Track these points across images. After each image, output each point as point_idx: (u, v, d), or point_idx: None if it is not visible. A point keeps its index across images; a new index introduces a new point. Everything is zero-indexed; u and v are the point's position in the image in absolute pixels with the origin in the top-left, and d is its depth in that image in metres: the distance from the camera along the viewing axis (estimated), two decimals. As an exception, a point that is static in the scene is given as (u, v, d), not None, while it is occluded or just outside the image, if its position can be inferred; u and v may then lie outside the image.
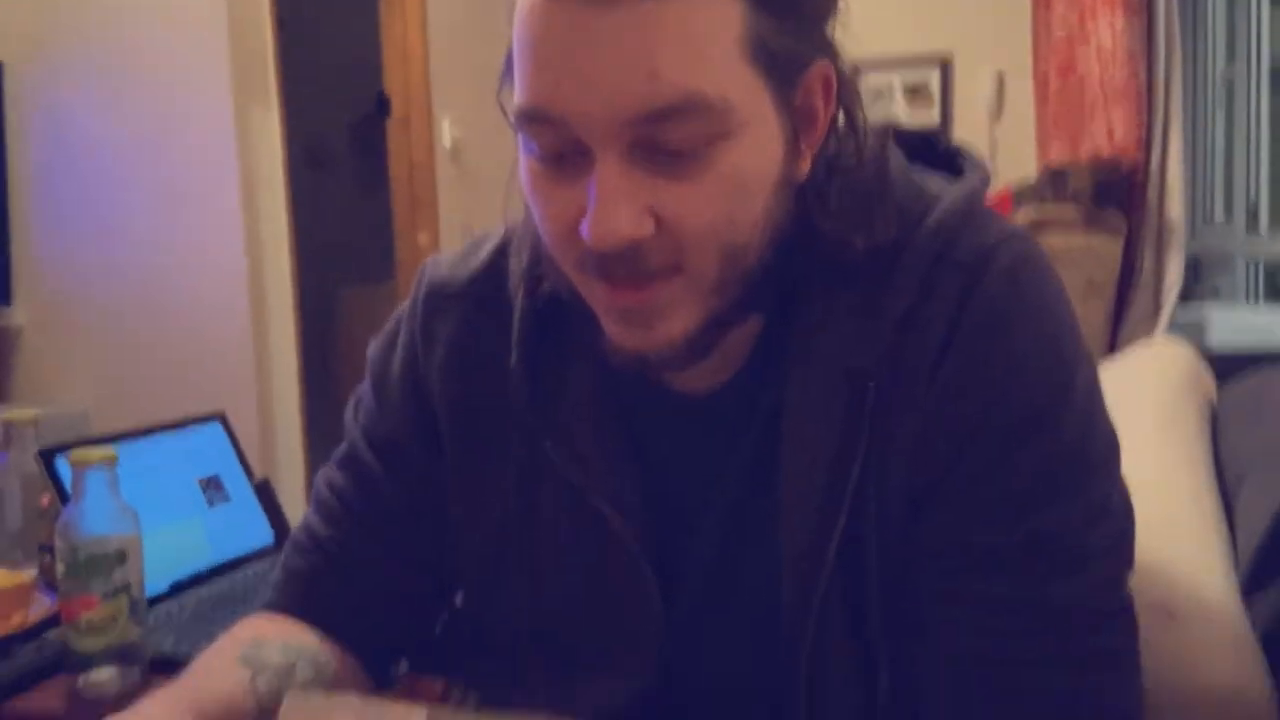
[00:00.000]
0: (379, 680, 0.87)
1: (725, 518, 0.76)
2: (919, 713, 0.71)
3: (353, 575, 0.83)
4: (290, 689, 0.75)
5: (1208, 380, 1.20)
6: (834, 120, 0.70)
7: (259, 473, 1.60)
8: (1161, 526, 0.84)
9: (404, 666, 0.94)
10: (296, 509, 1.61)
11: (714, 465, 0.76)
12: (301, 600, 0.83)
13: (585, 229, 0.63)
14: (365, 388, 0.87)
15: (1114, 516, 0.69)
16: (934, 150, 0.77)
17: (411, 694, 0.90)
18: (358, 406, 0.87)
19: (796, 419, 0.70)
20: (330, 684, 0.78)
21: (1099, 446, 0.69)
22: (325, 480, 0.86)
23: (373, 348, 0.88)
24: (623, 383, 0.77)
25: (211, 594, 1.29)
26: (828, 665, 0.72)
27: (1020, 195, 2.82)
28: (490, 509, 0.80)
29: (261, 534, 1.49)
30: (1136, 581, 0.69)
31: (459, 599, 0.89)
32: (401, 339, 0.85)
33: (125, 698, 1.00)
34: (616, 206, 0.62)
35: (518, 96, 0.64)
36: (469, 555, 0.82)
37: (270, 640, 0.78)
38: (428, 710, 0.48)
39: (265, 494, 1.55)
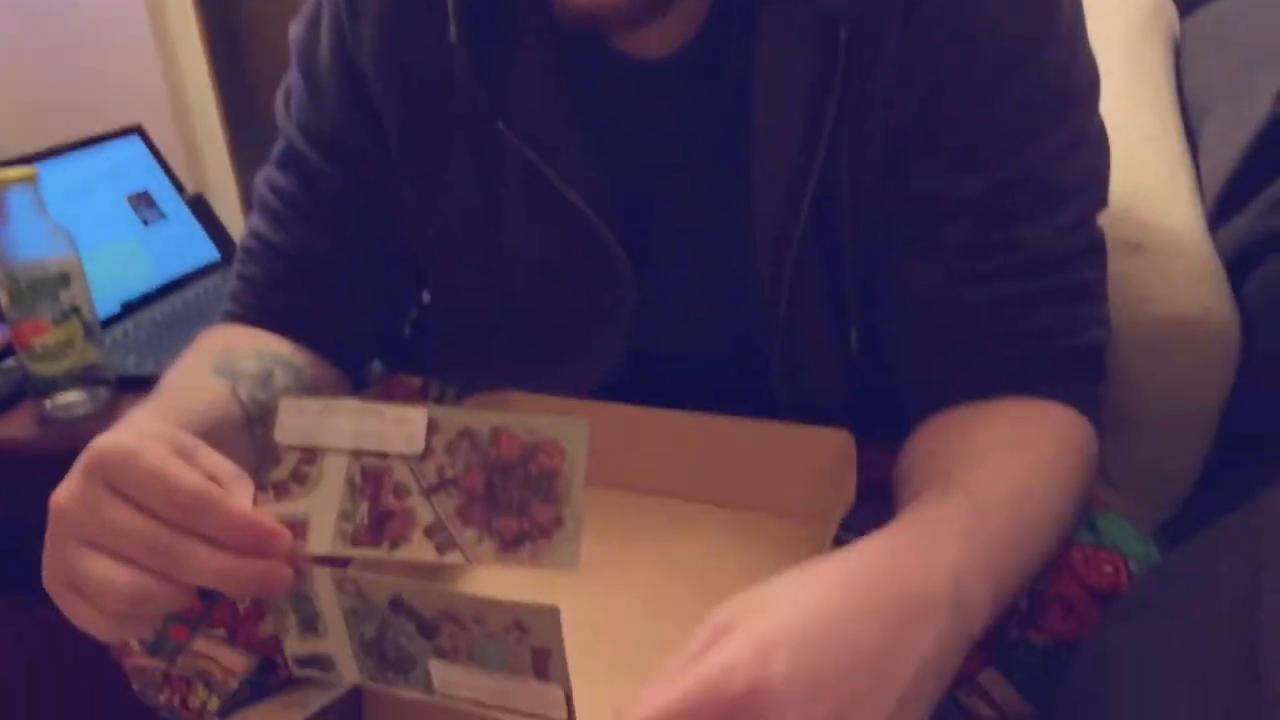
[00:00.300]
0: (355, 382, 0.86)
1: (695, 188, 0.73)
2: (891, 364, 0.72)
3: (312, 276, 0.79)
4: (280, 397, 0.73)
5: (1170, 11, 1.16)
6: None
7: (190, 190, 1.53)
8: (1127, 161, 0.83)
9: (378, 367, 0.94)
10: (235, 225, 1.55)
11: (681, 134, 0.72)
12: (263, 308, 0.80)
13: None
14: (293, 76, 0.80)
15: (1091, 149, 0.67)
16: None
17: (388, 393, 0.89)
18: (288, 98, 0.80)
19: (768, 72, 0.66)
20: (309, 388, 0.77)
21: (1081, 77, 0.66)
22: (266, 182, 0.81)
23: (294, 30, 0.80)
24: (576, 50, 0.71)
25: (164, 313, 1.27)
26: (803, 329, 0.72)
27: None
28: (447, 198, 0.76)
29: (204, 251, 1.45)
30: (1104, 216, 0.68)
31: (426, 295, 0.87)
32: (326, 19, 0.77)
33: (96, 419, 1.00)
34: None
35: None
36: (430, 248, 0.79)
37: (242, 349, 0.75)
38: (427, 409, 0.46)
39: (201, 209, 1.49)
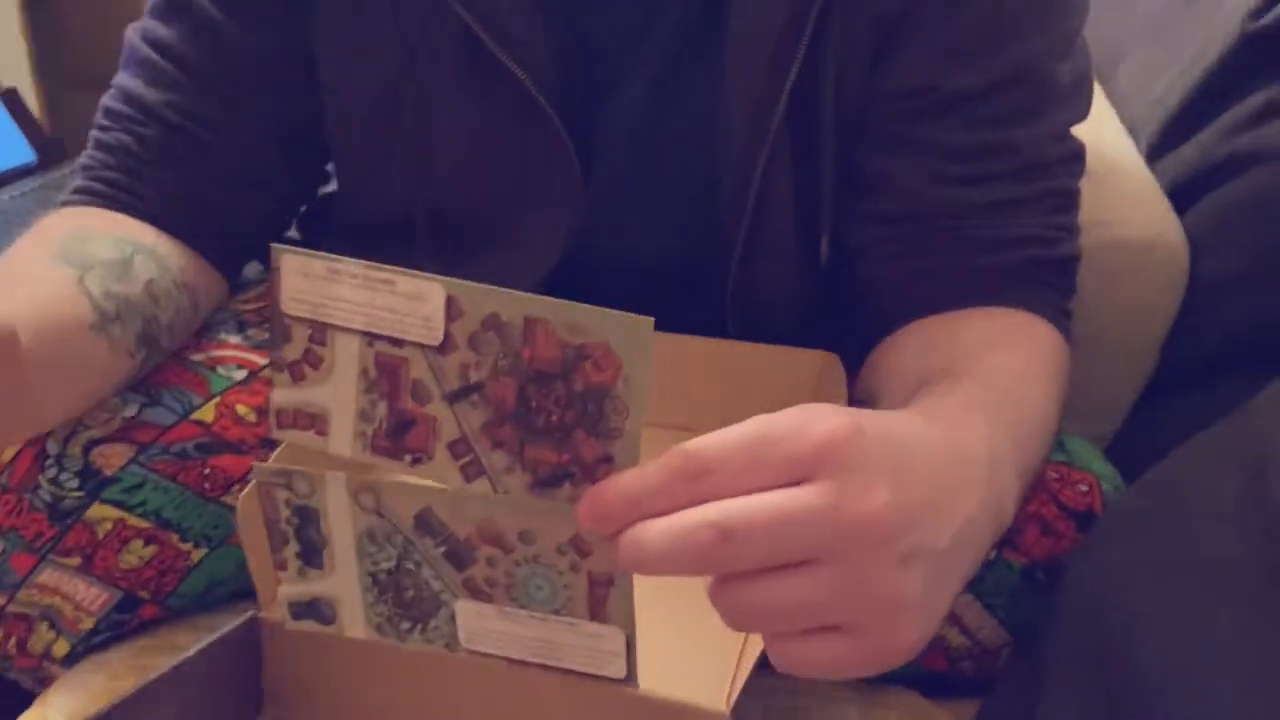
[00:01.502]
0: (230, 286, 0.74)
1: (657, 69, 0.66)
2: (859, 276, 0.67)
3: (196, 150, 0.67)
4: (146, 289, 0.61)
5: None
6: None
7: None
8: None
9: (255, 269, 0.82)
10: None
11: (646, 6, 0.65)
12: (127, 185, 0.66)
13: None
14: None
15: (1081, 55, 0.65)
16: None
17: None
18: None
19: None
20: (177, 283, 0.65)
21: None
22: (142, 35, 0.67)
23: None
24: None
25: (-27, 214, 1.10)
26: (766, 237, 0.66)
27: None
28: (365, 67, 0.66)
29: (18, 151, 1.27)
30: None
31: (332, 184, 0.76)
32: None
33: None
34: None
35: None
36: (342, 127, 0.68)
37: (94, 233, 0.62)
38: (444, 285, 0.37)
39: (14, 105, 1.31)
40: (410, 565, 0.40)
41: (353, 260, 0.38)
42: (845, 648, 0.37)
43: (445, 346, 0.38)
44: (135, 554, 0.63)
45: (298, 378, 0.39)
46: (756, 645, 0.51)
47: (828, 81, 0.62)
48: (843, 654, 0.37)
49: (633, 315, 0.36)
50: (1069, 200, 0.64)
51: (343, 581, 0.42)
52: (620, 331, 0.36)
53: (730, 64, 0.63)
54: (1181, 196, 0.77)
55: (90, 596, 0.62)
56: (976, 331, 0.60)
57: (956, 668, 0.63)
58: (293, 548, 0.42)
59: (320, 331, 0.39)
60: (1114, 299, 0.73)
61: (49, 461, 0.60)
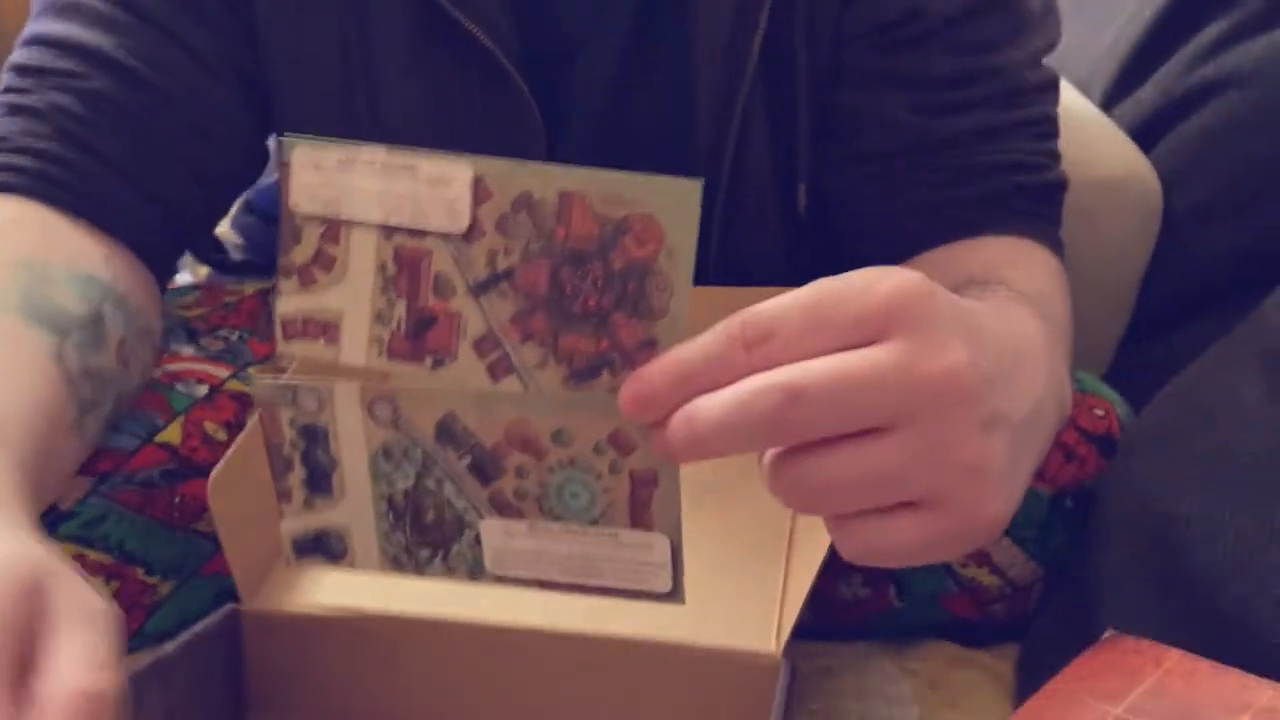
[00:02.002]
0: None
1: (625, 34, 0.63)
2: (843, 220, 0.65)
3: (156, 105, 0.59)
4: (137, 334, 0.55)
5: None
6: None
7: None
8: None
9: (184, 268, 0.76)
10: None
11: None
12: (66, 165, 0.56)
13: None
14: None
15: None
16: None
17: (211, 299, 0.72)
18: None
19: None
20: (141, 331, 0.56)
21: None
22: (49, 34, 0.58)
23: None
24: None
25: None
26: (744, 192, 0.64)
27: None
28: (312, 32, 0.61)
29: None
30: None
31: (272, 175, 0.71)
32: None
33: None
34: None
35: None
36: (286, 97, 0.64)
37: (52, 268, 0.53)
38: (471, 162, 0.33)
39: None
40: (430, 484, 0.36)
41: (370, 145, 0.34)
42: (925, 524, 0.33)
43: (471, 234, 0.34)
44: None
45: (307, 282, 0.35)
46: (800, 582, 0.48)
47: (799, 26, 0.60)
48: (922, 532, 0.33)
49: (680, 179, 0.32)
50: (1050, 127, 0.63)
51: (354, 509, 0.37)
52: (666, 199, 0.32)
53: (699, 16, 0.61)
54: (1144, 137, 0.77)
55: None
56: (986, 253, 0.58)
57: (988, 613, 0.60)
58: (298, 474, 0.37)
59: (333, 229, 0.34)
60: (1091, 239, 0.72)
61: None
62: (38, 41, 0.59)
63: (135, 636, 0.57)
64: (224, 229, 0.79)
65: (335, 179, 0.34)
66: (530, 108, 0.61)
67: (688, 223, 0.32)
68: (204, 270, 0.79)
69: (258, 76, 0.62)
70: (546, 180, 0.33)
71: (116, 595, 0.56)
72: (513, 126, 0.62)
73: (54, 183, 0.57)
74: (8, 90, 0.59)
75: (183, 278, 0.78)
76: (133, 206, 0.59)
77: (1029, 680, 0.54)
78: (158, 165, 0.60)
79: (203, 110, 0.61)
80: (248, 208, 0.75)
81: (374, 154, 0.34)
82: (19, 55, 0.59)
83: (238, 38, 0.61)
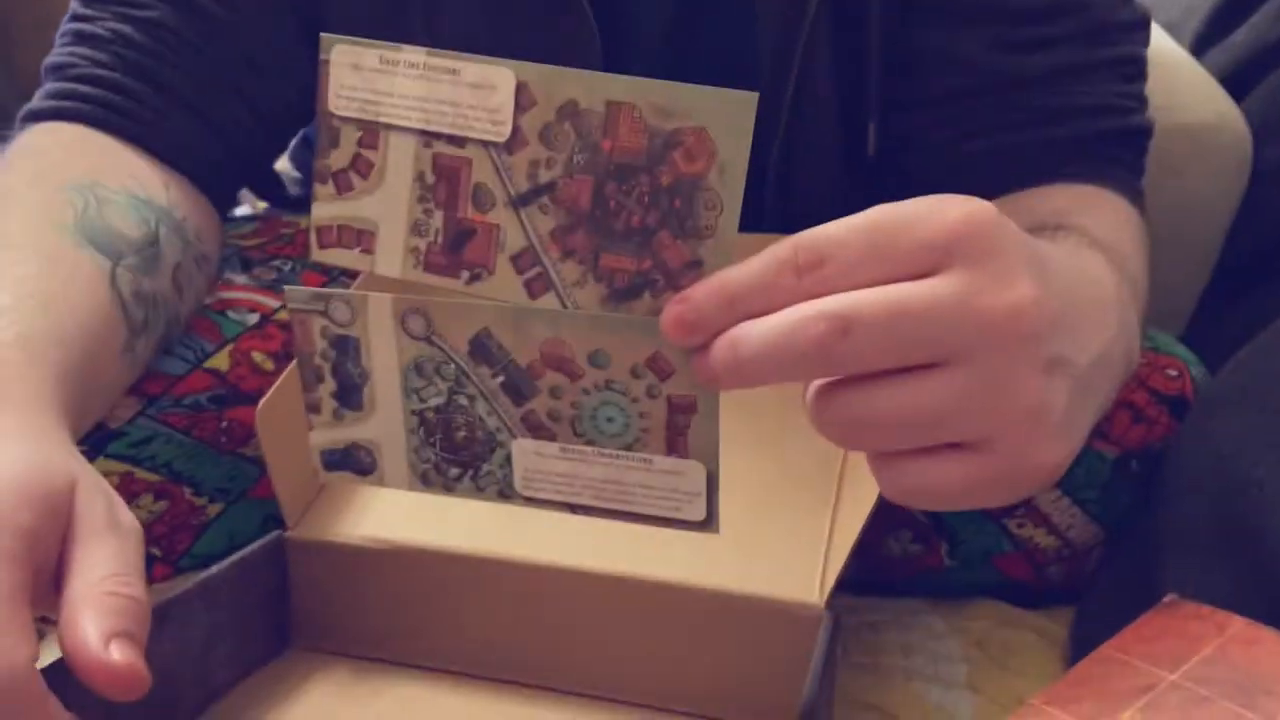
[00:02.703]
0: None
1: None
2: (916, 166, 0.62)
3: (213, 33, 0.59)
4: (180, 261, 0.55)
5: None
6: None
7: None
8: None
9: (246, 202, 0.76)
10: None
11: None
12: (127, 94, 0.57)
13: None
14: None
15: None
16: None
17: (269, 229, 0.72)
18: None
19: None
20: (197, 258, 0.58)
21: None
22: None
23: None
24: None
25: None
26: (807, 129, 0.61)
27: None
28: None
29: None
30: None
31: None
32: None
33: None
34: None
35: None
36: (345, 32, 0.62)
37: (108, 188, 0.54)
38: (515, 68, 0.33)
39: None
40: (463, 400, 0.35)
41: (411, 47, 0.33)
42: (975, 468, 0.31)
43: (513, 143, 0.33)
44: (144, 509, 0.57)
45: (343, 189, 0.34)
46: (847, 532, 0.46)
47: None
48: (969, 475, 0.31)
49: (735, 91, 0.31)
50: (1137, 68, 0.60)
51: (384, 423, 0.36)
52: (721, 112, 0.31)
53: None
54: (1235, 84, 0.73)
55: None
56: (1059, 200, 0.55)
57: (1043, 575, 0.58)
58: (328, 386, 0.36)
59: (371, 134, 0.34)
60: (1175, 190, 0.69)
61: None
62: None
63: (184, 556, 0.59)
64: (282, 164, 0.79)
65: (374, 81, 0.34)
66: (591, 31, 0.60)
67: (741, 138, 0.31)
68: (262, 205, 0.79)
69: (314, 13, 0.62)
70: (593, 88, 0.32)
71: (165, 514, 0.58)
72: (571, 53, 0.61)
73: (115, 110, 0.58)
74: (74, 18, 0.60)
75: (242, 211, 0.78)
76: (192, 136, 0.60)
77: (1083, 644, 0.52)
78: (216, 96, 0.60)
79: (261, 44, 0.60)
80: (306, 142, 0.75)
81: (415, 55, 0.33)
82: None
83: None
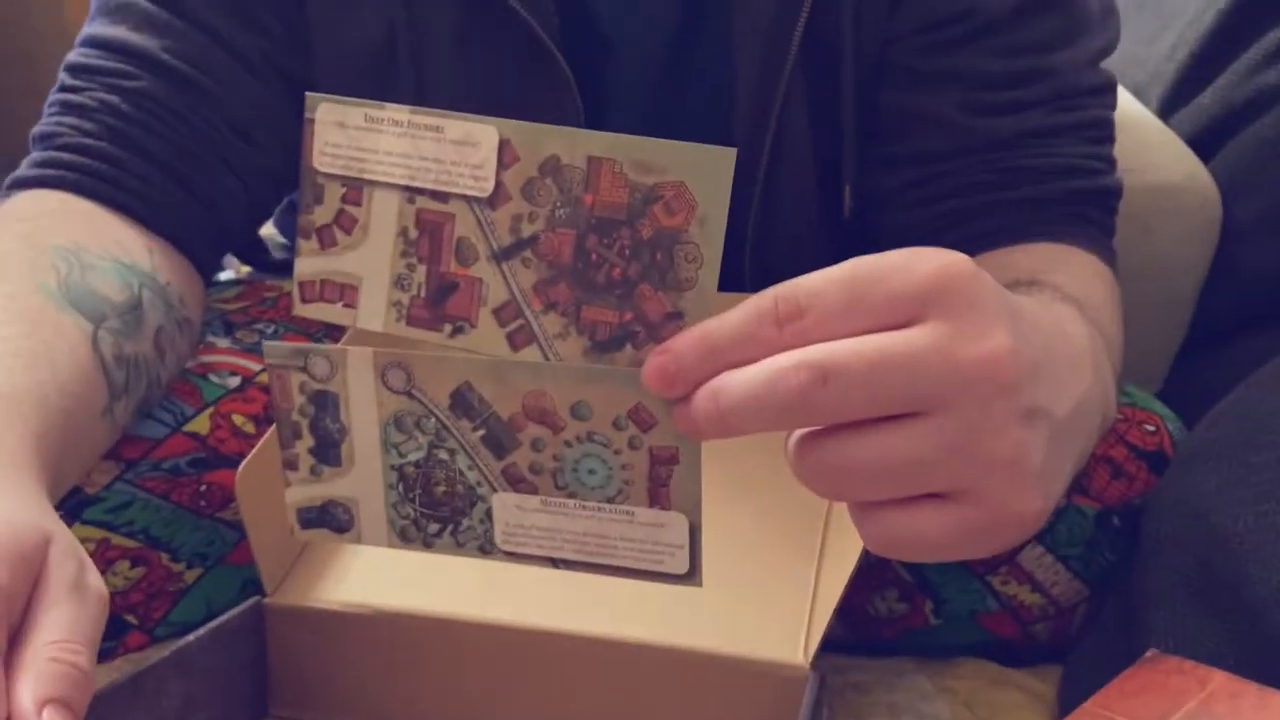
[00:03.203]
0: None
1: (667, 27, 0.62)
2: (893, 225, 0.63)
3: (201, 105, 0.60)
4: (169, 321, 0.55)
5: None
6: None
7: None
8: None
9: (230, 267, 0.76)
10: None
11: None
12: (113, 163, 0.58)
13: None
14: None
15: None
16: None
17: (253, 292, 0.72)
18: None
19: None
20: (179, 321, 0.58)
21: None
22: (101, 35, 0.60)
23: None
24: None
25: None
26: (783, 191, 0.63)
27: None
28: (365, 18, 0.62)
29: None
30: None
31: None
32: None
33: None
34: None
35: None
36: (337, 83, 0.63)
37: (91, 254, 0.54)
38: (497, 125, 0.33)
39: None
40: (443, 454, 0.35)
41: (395, 105, 0.33)
42: (955, 518, 0.31)
43: (496, 198, 0.33)
44: (120, 576, 0.56)
45: (327, 244, 0.35)
46: (831, 590, 0.46)
47: (845, 20, 0.59)
48: (950, 525, 0.31)
49: (714, 146, 0.31)
50: (1105, 131, 0.62)
51: (362, 479, 0.36)
52: (700, 167, 0.32)
53: (738, 7, 0.60)
54: (1203, 145, 0.75)
55: None
56: (1032, 258, 0.56)
57: (1030, 633, 0.58)
58: (305, 442, 0.36)
59: (355, 190, 0.34)
60: (1147, 250, 0.70)
61: None
62: (91, 43, 0.61)
63: (161, 624, 0.58)
64: (268, 229, 0.80)
65: (359, 139, 0.34)
66: (572, 94, 0.61)
67: (720, 192, 0.32)
68: (246, 270, 0.80)
69: (302, 78, 0.63)
70: (575, 144, 0.32)
71: (142, 581, 0.57)
72: (554, 113, 0.62)
73: (101, 178, 0.58)
74: (62, 89, 0.61)
75: (226, 275, 0.79)
76: (177, 203, 0.60)
77: (1070, 702, 0.51)
78: (201, 164, 0.61)
79: (246, 111, 0.61)
80: (291, 207, 0.75)
81: (400, 113, 0.34)
82: (74, 55, 0.61)
83: (284, 40, 0.62)
